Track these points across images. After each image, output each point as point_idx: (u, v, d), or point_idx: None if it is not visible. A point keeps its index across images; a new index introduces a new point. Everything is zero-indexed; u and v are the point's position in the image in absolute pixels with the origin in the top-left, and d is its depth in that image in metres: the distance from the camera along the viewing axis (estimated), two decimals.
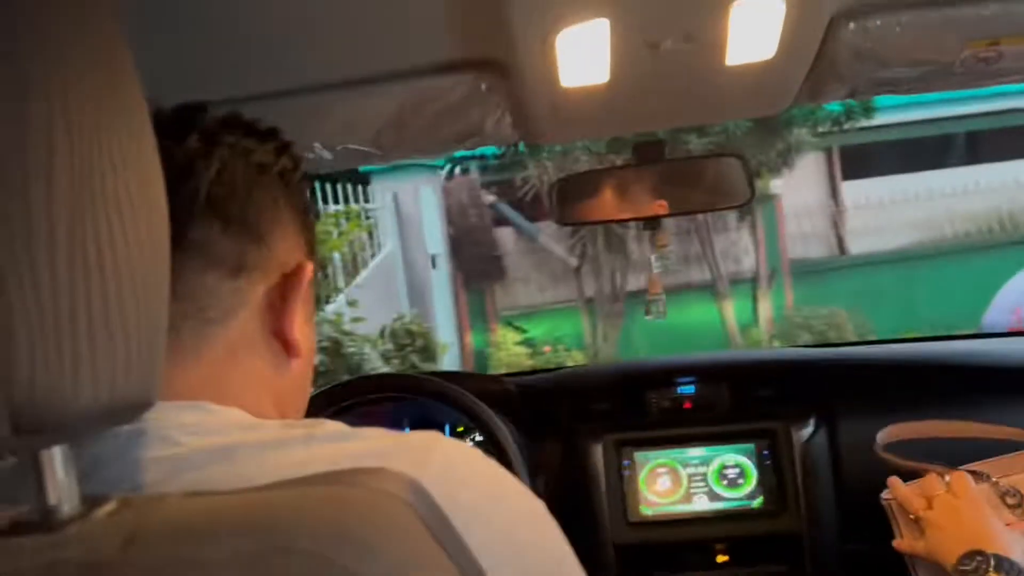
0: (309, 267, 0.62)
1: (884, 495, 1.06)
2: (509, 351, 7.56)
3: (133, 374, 0.41)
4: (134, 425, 0.50)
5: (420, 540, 0.47)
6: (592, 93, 0.96)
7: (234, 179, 0.56)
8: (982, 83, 1.05)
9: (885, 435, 1.13)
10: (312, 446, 0.52)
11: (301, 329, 0.61)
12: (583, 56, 0.88)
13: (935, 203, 8.83)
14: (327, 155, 1.05)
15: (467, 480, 0.53)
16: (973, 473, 1.00)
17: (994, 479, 1.00)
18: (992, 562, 0.87)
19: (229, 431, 0.53)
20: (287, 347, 0.60)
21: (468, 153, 7.85)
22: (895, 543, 1.03)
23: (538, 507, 0.58)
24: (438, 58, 0.93)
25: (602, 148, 6.38)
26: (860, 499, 1.39)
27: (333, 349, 4.36)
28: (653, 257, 1.29)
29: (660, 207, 1.28)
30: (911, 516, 1.00)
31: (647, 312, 1.31)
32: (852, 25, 0.91)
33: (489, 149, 7.50)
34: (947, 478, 0.99)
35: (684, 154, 4.90)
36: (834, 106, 7.06)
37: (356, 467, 0.50)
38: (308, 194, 0.66)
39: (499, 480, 0.56)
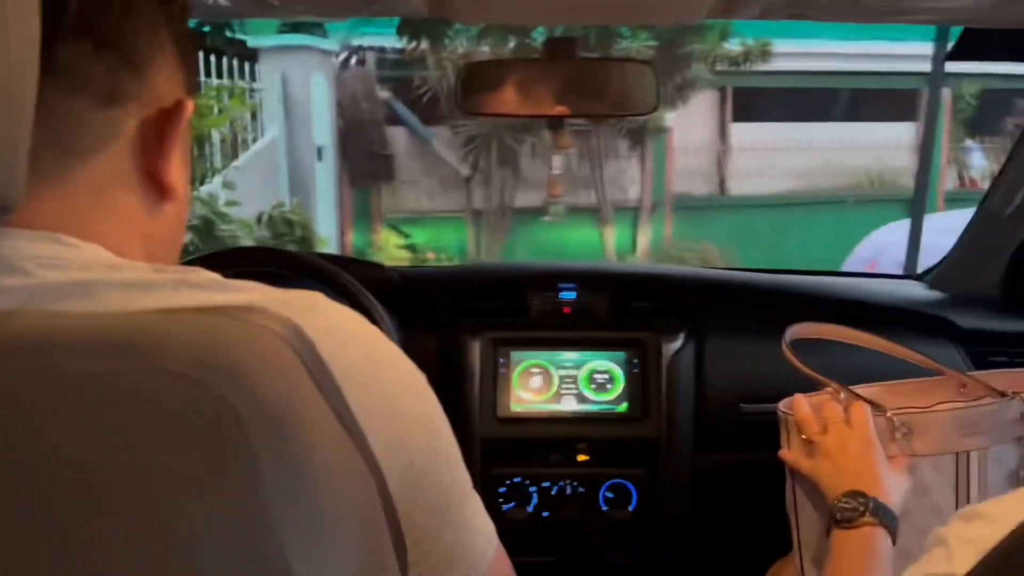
0: (190, 104, 0.56)
1: (781, 406, 1.06)
2: (390, 254, 7.49)
3: None
4: None
5: (299, 380, 0.45)
6: None
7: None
8: (885, 19, 1.07)
9: (792, 332, 1.14)
10: (182, 291, 0.48)
11: (177, 171, 0.56)
12: None
13: (814, 154, 9.26)
14: None
15: (349, 339, 0.52)
16: (872, 404, 1.01)
17: (889, 413, 1.01)
18: (870, 505, 0.90)
19: (89, 267, 0.49)
20: (161, 189, 0.55)
21: (366, 41, 7.54)
22: (781, 453, 1.05)
23: (419, 377, 0.57)
24: None
25: (506, 54, 6.28)
26: (717, 414, 1.46)
27: (205, 230, 4.16)
28: (555, 158, 1.27)
29: (565, 107, 1.26)
30: (803, 436, 1.01)
31: (545, 213, 1.30)
32: None
33: (388, 40, 7.23)
34: (844, 405, 1.00)
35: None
36: (733, 44, 7.19)
37: (235, 304, 0.47)
38: (191, 26, 0.60)
39: (381, 345, 0.55)
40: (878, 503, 0.91)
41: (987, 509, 0.55)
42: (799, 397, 1.06)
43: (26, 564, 0.41)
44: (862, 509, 0.90)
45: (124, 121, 0.52)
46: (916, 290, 1.72)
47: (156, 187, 0.55)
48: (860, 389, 1.05)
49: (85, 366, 0.41)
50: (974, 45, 1.26)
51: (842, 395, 1.03)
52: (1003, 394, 1.07)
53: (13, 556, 0.41)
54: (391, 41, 7.27)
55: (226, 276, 0.52)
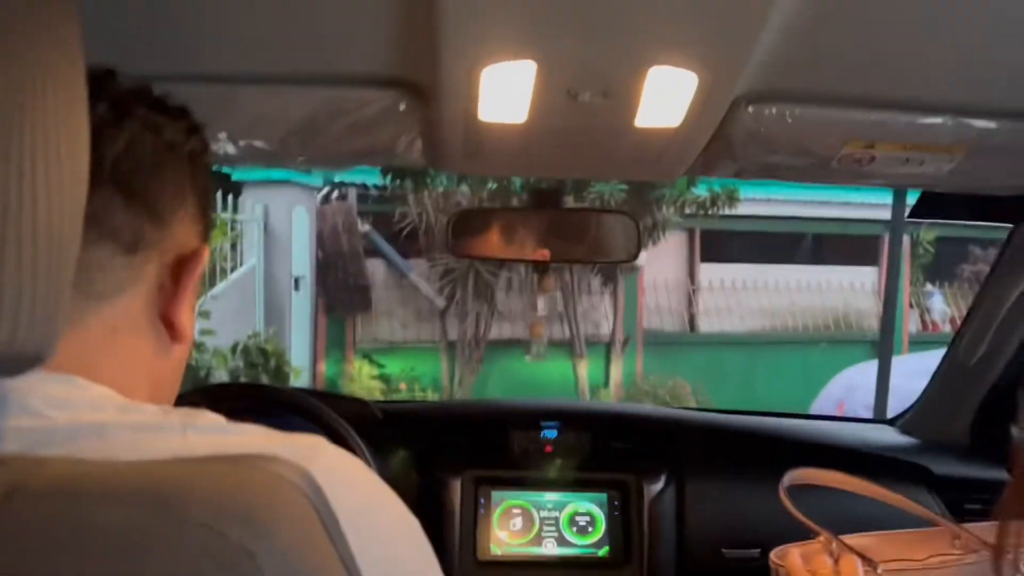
0: (206, 252, 0.60)
1: (773, 556, 1.06)
2: (363, 384, 7.42)
3: (36, 326, 0.39)
4: None
5: (314, 530, 0.46)
6: (507, 131, 0.99)
7: (142, 153, 0.54)
8: (852, 182, 1.15)
9: (791, 477, 1.15)
10: (189, 434, 0.50)
11: (188, 315, 0.59)
12: (505, 94, 0.91)
13: (781, 295, 9.52)
14: (231, 149, 1.02)
15: (351, 484, 0.53)
16: (862, 557, 1.01)
17: (880, 569, 1.01)
18: None
19: (100, 408, 0.50)
20: (173, 331, 0.58)
21: (348, 177, 7.75)
22: None
23: (415, 524, 0.58)
24: (360, 70, 0.93)
25: (484, 195, 6.48)
26: (699, 559, 1.45)
27: None
28: (540, 300, 1.32)
29: (550, 252, 1.32)
30: None
31: (527, 352, 1.33)
32: (751, 109, 0.98)
33: (371, 177, 7.44)
34: (835, 558, 1.00)
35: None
36: (701, 190, 7.50)
37: (250, 452, 0.49)
38: (210, 181, 0.64)
39: (381, 490, 0.56)
40: None
41: None
42: (789, 547, 1.06)
43: None
44: None
45: (145, 267, 0.55)
46: (889, 435, 1.75)
47: (169, 329, 0.58)
48: (852, 539, 1.05)
49: (112, 516, 0.42)
50: (933, 206, 1.35)
51: (833, 545, 1.03)
52: (996, 548, 1.07)
53: None
54: (373, 179, 7.50)
55: (216, 411, 0.53)
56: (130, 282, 0.55)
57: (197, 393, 1.27)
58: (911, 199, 1.77)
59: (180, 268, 0.57)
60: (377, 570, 0.51)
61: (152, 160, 0.55)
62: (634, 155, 1.08)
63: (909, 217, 1.31)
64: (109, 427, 0.49)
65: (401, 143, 1.04)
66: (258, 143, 1.02)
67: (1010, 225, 1.34)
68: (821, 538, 1.05)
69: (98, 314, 0.53)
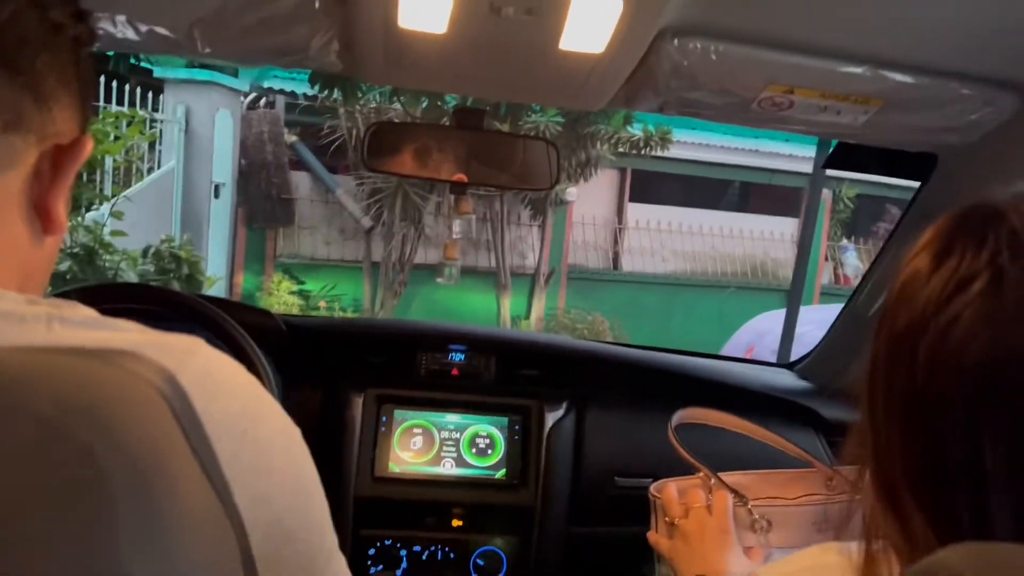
0: (89, 143, 0.57)
1: (652, 489, 1.10)
2: (281, 299, 7.30)
3: None
4: None
5: (167, 430, 0.44)
6: (427, 41, 0.95)
7: (27, 29, 0.51)
8: (771, 126, 1.16)
9: (679, 416, 1.18)
10: (55, 327, 0.47)
11: (63, 206, 0.56)
12: (426, 0, 0.87)
13: (704, 239, 9.72)
14: (131, 33, 0.95)
15: (226, 391, 0.51)
16: (734, 493, 1.06)
17: (750, 504, 1.06)
18: None
19: None
20: (48, 221, 0.55)
21: (277, 85, 7.47)
22: (649, 534, 1.09)
23: (296, 434, 0.57)
24: None
25: (417, 113, 6.34)
26: (593, 486, 1.49)
27: (86, 258, 3.95)
28: (456, 222, 1.30)
29: (467, 174, 1.30)
30: (667, 519, 1.06)
31: (440, 275, 1.31)
32: (676, 41, 0.97)
33: (300, 86, 7.19)
34: (710, 493, 1.05)
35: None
36: (636, 129, 7.52)
37: (111, 347, 0.46)
38: (93, 71, 0.61)
39: (259, 398, 0.54)
40: None
41: (763, 569, 0.60)
42: (668, 481, 1.10)
43: None
44: None
45: (24, 150, 0.52)
46: (787, 379, 1.81)
47: (43, 218, 0.55)
48: (730, 476, 1.10)
49: None
50: (847, 157, 1.37)
51: (711, 481, 1.07)
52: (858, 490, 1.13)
53: None
54: (303, 87, 7.24)
55: (105, 312, 0.51)
56: (7, 163, 0.51)
57: (87, 291, 1.21)
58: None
59: (62, 155, 0.54)
60: (247, 478, 0.49)
61: (36, 38, 0.51)
62: (557, 80, 1.06)
63: (824, 166, 1.33)
64: None
65: (316, 44, 0.98)
66: (160, 29, 0.96)
67: (917, 183, 1.37)
68: (700, 474, 1.09)
69: None
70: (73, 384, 0.42)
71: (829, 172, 5.36)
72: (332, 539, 0.58)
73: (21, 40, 0.50)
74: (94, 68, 0.60)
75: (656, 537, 1.08)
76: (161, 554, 0.43)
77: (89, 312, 0.50)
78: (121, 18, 0.95)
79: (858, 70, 1.01)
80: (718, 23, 0.94)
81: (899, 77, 1.01)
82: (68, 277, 3.89)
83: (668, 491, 1.08)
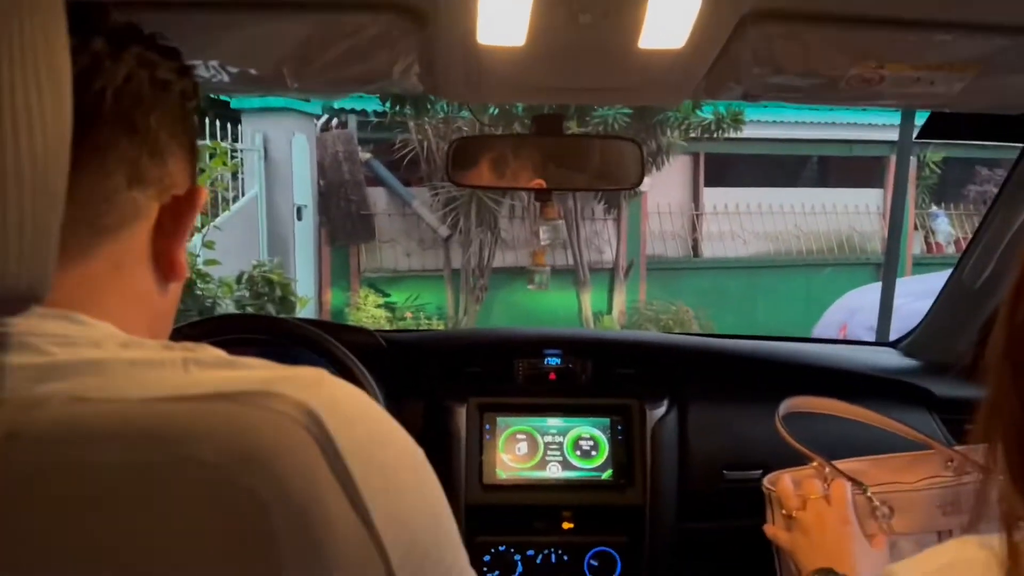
0: (204, 193, 0.61)
1: (765, 481, 1.08)
2: (369, 313, 7.46)
3: (25, 265, 0.39)
4: None
5: (317, 465, 0.46)
6: (507, 55, 0.97)
7: (140, 89, 0.54)
8: (860, 103, 1.13)
9: (787, 406, 1.16)
10: (191, 370, 0.50)
11: (183, 253, 0.60)
12: (504, 15, 0.88)
13: (785, 219, 9.46)
14: (224, 76, 1.00)
15: (354, 416, 0.53)
16: (852, 481, 1.03)
17: (870, 492, 1.03)
18: None
19: (101, 345, 0.50)
20: (171, 268, 0.59)
21: (348, 104, 7.64)
22: (766, 528, 1.07)
23: (420, 454, 0.58)
24: None
25: (486, 120, 6.37)
26: (701, 481, 1.48)
27: (184, 289, 4.13)
28: (543, 229, 1.30)
29: (549, 180, 1.30)
30: (784, 511, 1.03)
31: (530, 281, 1.32)
32: (757, 28, 0.95)
33: (370, 103, 7.33)
34: (826, 482, 1.02)
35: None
36: (706, 113, 7.38)
37: (252, 390, 0.49)
38: (197, 122, 0.64)
39: (384, 422, 0.56)
40: None
41: (900, 566, 0.58)
42: (782, 472, 1.08)
43: None
44: None
45: (147, 204, 0.56)
46: (891, 358, 1.76)
47: (166, 267, 0.58)
48: (845, 464, 1.07)
49: (114, 455, 0.43)
50: (942, 126, 1.32)
51: (826, 470, 1.05)
52: (988, 470, 1.08)
53: None
54: (373, 105, 7.38)
55: (217, 343, 0.53)
56: (134, 217, 0.55)
57: (200, 324, 1.27)
58: (919, 119, 1.73)
59: (179, 206, 0.58)
60: (381, 501, 0.51)
61: (148, 97, 0.55)
62: (637, 79, 1.06)
63: (917, 138, 1.28)
64: (110, 363, 0.49)
65: (398, 69, 1.01)
66: (252, 70, 1.00)
67: (1020, 144, 1.31)
68: (814, 463, 1.06)
69: (102, 248, 0.53)
70: (229, 431, 0.45)
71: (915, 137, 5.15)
72: (464, 555, 0.60)
73: (136, 100, 0.54)
74: (196, 119, 0.64)
75: (774, 530, 1.06)
76: None
77: (219, 353, 0.53)
78: (214, 63, 1.00)
79: (949, 37, 0.97)
80: (800, 5, 0.92)
81: (996, 40, 0.97)
82: None
83: (783, 483, 1.06)
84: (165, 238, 0.57)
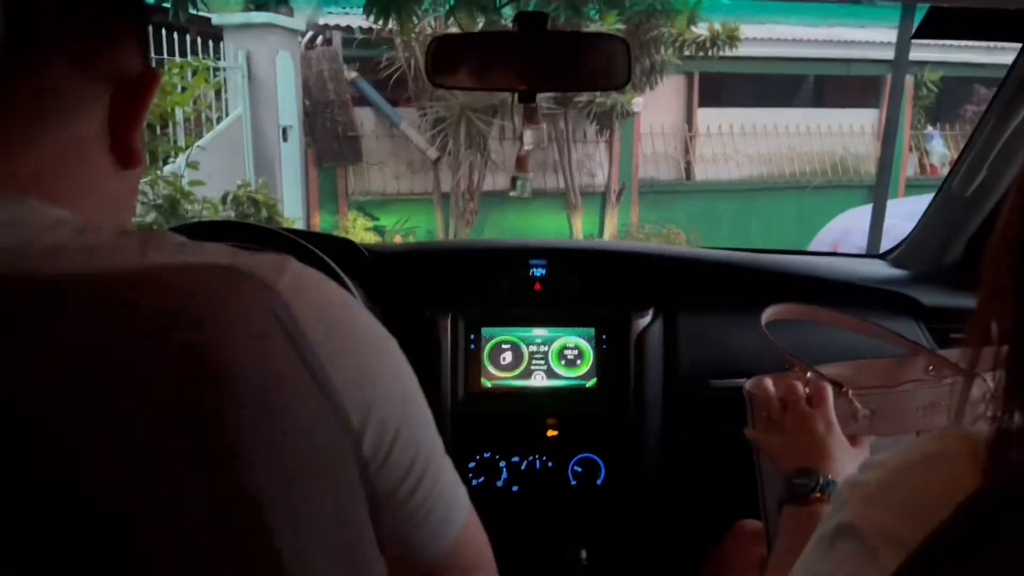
0: (159, 74, 0.58)
1: (747, 385, 1.07)
2: (358, 236, 7.41)
3: None
4: None
5: (278, 342, 0.46)
6: None
7: None
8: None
9: (770, 313, 1.15)
10: (149, 253, 0.48)
11: (140, 139, 0.58)
12: None
13: (780, 140, 9.35)
14: None
15: (322, 302, 0.52)
16: (833, 383, 1.02)
17: (851, 395, 1.02)
18: (820, 482, 0.91)
19: (55, 230, 0.48)
20: (128, 154, 0.57)
21: (333, 20, 7.43)
22: (746, 431, 1.07)
23: (391, 341, 0.58)
24: None
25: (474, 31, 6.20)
26: (686, 389, 1.48)
27: (170, 209, 4.09)
28: (527, 133, 1.26)
29: (534, 81, 1.26)
30: (765, 414, 1.03)
31: (512, 187, 1.29)
32: None
33: (355, 19, 7.13)
34: (807, 386, 1.02)
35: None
36: (702, 29, 7.21)
37: (212, 263, 0.47)
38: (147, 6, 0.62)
39: (353, 308, 0.55)
40: (828, 480, 0.92)
41: (878, 458, 0.57)
42: (763, 377, 1.07)
43: None
44: (812, 486, 0.92)
45: (98, 89, 0.54)
46: (880, 268, 1.75)
47: (123, 153, 0.56)
48: (828, 368, 1.07)
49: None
50: (939, 23, 1.27)
51: (808, 374, 1.05)
52: (967, 372, 1.08)
53: None
54: (358, 20, 7.17)
55: None
56: (84, 102, 0.53)
57: (176, 230, 1.25)
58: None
59: (135, 90, 0.56)
60: (351, 384, 0.51)
61: None
62: None
63: (915, 36, 1.23)
64: (64, 249, 0.47)
65: None
66: None
67: (1019, 44, 1.27)
68: (796, 368, 1.06)
69: (50, 134, 0.52)
70: (182, 292, 0.44)
71: (912, 55, 5.05)
72: (438, 442, 0.60)
73: None
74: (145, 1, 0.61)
75: (754, 434, 1.06)
76: (277, 455, 0.44)
77: (180, 239, 0.51)
78: None
79: None
80: None
81: None
82: (155, 228, 4.03)
83: (763, 386, 1.05)
84: (120, 124, 0.55)
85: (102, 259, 0.47)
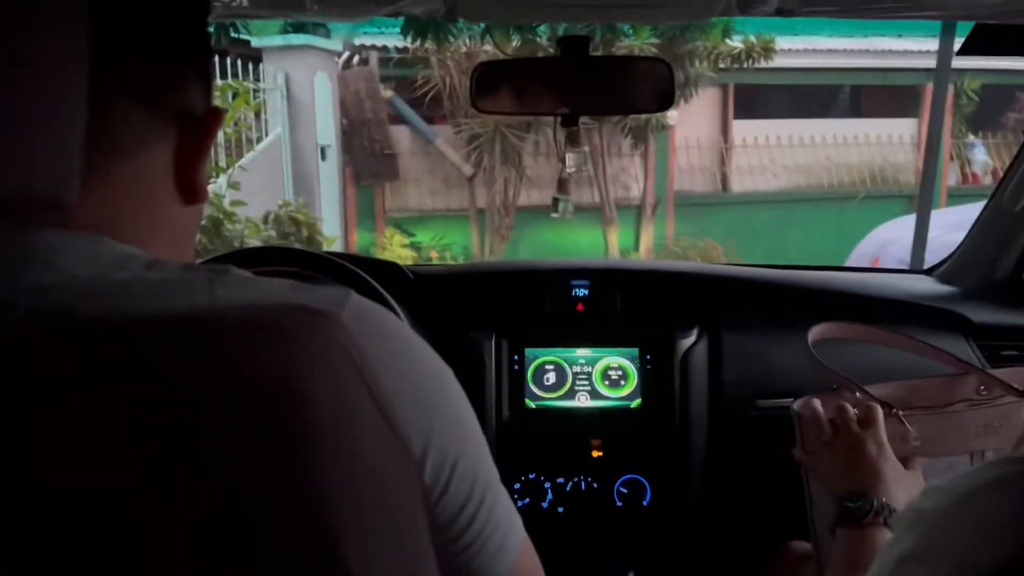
0: (223, 112, 0.60)
1: (795, 406, 1.07)
2: (395, 253, 7.48)
3: (46, 170, 0.38)
4: (15, 246, 0.46)
5: (350, 375, 0.47)
6: None
7: (152, 8, 0.53)
8: (899, 15, 1.08)
9: (817, 332, 1.14)
10: (217, 290, 0.49)
11: (204, 175, 0.59)
12: None
13: (817, 151, 9.24)
14: (243, 0, 0.97)
15: (383, 333, 0.53)
16: (882, 404, 1.02)
17: (902, 415, 1.02)
18: (874, 505, 0.91)
19: (125, 266, 0.50)
20: (192, 190, 0.58)
21: (369, 41, 7.53)
22: (795, 452, 1.06)
23: (448, 373, 0.58)
24: None
25: (510, 52, 6.26)
26: (732, 409, 1.47)
27: (213, 229, 4.16)
28: (569, 155, 1.28)
29: (576, 105, 1.27)
30: (814, 436, 1.02)
31: (554, 209, 1.30)
32: None
33: (392, 39, 7.22)
34: (856, 408, 1.01)
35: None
36: (736, 41, 7.18)
37: (281, 303, 0.48)
38: (210, 41, 0.63)
39: (411, 339, 0.56)
40: (882, 504, 0.91)
41: (941, 483, 0.57)
42: (811, 397, 1.06)
43: None
44: (867, 509, 0.91)
45: (167, 124, 0.55)
46: (926, 284, 1.72)
47: (187, 189, 0.57)
48: (877, 388, 1.06)
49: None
50: (986, 40, 1.26)
51: (857, 395, 1.04)
52: (1021, 393, 1.06)
53: None
54: (394, 40, 7.26)
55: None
56: (153, 138, 0.54)
57: (227, 256, 1.27)
58: (958, 44, 1.65)
59: (200, 127, 0.57)
60: (412, 415, 0.51)
61: (168, 19, 0.54)
62: None
63: (960, 53, 1.21)
64: (133, 284, 0.48)
65: None
66: None
67: None
68: (845, 389, 1.05)
69: (123, 169, 0.53)
70: (252, 329, 0.45)
71: (954, 64, 4.97)
72: (494, 472, 0.60)
73: (154, 22, 0.53)
74: (210, 41, 0.62)
75: (804, 456, 1.05)
76: (351, 489, 0.45)
77: (246, 274, 0.53)
78: None
79: None
80: None
81: None
82: (199, 249, 4.11)
83: (812, 407, 1.04)
84: (184, 160, 0.56)
85: (171, 296, 0.48)
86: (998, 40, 1.23)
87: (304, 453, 0.43)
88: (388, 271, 1.50)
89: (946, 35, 4.35)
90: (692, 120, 8.72)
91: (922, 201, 4.13)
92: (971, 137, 9.90)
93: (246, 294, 0.50)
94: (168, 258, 0.55)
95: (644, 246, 8.62)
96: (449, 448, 0.54)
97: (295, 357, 0.44)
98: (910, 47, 8.69)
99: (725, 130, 9.25)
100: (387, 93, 7.82)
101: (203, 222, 4.17)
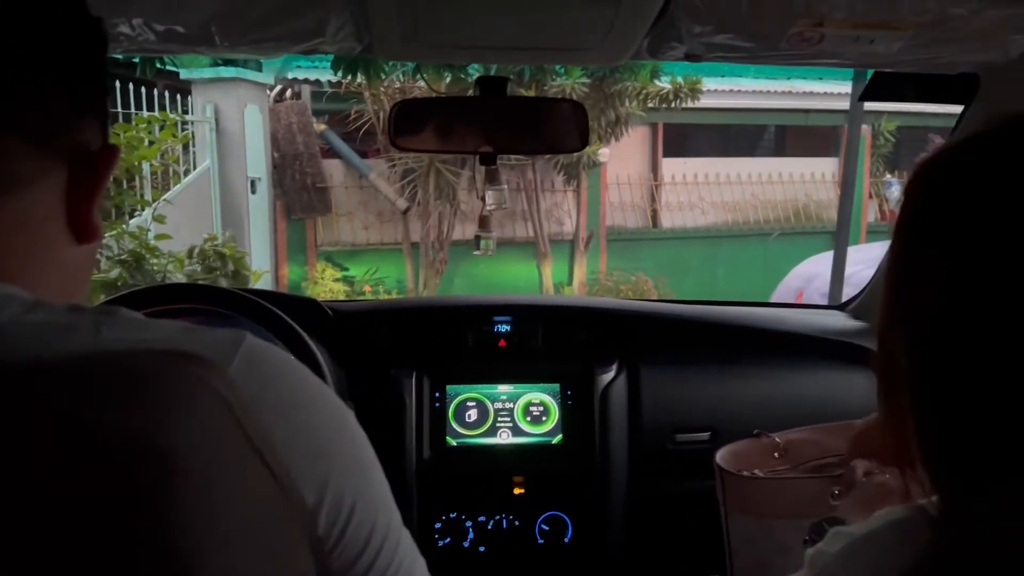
0: (118, 150, 0.58)
1: (717, 457, 1.08)
2: (327, 287, 7.38)
3: None
4: None
5: (224, 425, 0.45)
6: (442, 9, 0.94)
7: (44, 42, 0.51)
8: (803, 62, 1.12)
9: (723, 455, 1.11)
10: (102, 333, 0.48)
11: (97, 213, 0.57)
12: None
13: (743, 188, 9.54)
14: (149, 35, 0.96)
15: (275, 378, 0.52)
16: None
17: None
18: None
19: (4, 307, 0.48)
20: (84, 229, 0.56)
21: (301, 74, 7.49)
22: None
23: (348, 415, 0.57)
24: None
25: (443, 88, 6.31)
26: (652, 444, 1.49)
27: (134, 264, 4.04)
28: (489, 193, 1.29)
29: (494, 143, 1.28)
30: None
31: (476, 247, 1.31)
32: None
33: (324, 73, 7.20)
34: (779, 454, 1.05)
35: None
36: (664, 81, 7.38)
37: (162, 348, 0.47)
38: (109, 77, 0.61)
39: (308, 384, 0.55)
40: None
41: (846, 528, 0.60)
42: (734, 445, 1.09)
43: None
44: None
45: (57, 161, 0.53)
46: (839, 320, 1.78)
47: (79, 227, 0.55)
48: (797, 434, 1.09)
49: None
50: (886, 87, 1.32)
51: (779, 442, 1.07)
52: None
53: None
54: (327, 74, 7.24)
55: (156, 314, 0.52)
56: (40, 177, 0.52)
57: (136, 295, 1.23)
58: None
59: (94, 164, 0.55)
60: (306, 464, 0.50)
61: (69, 52, 0.53)
62: (577, 36, 1.04)
63: (861, 99, 1.28)
64: (12, 327, 0.46)
65: (332, 26, 0.98)
66: (178, 27, 0.96)
67: (959, 107, 1.32)
68: (765, 439, 1.08)
69: (6, 208, 0.50)
70: (125, 376, 0.43)
71: (868, 106, 5.21)
72: (395, 516, 0.59)
73: (53, 55, 0.51)
74: (109, 77, 0.61)
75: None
76: (221, 540, 0.44)
77: (132, 315, 0.51)
78: (138, 21, 0.96)
79: None
80: None
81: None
82: (119, 284, 3.98)
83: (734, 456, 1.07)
84: (76, 198, 0.54)
85: (52, 339, 0.47)
86: (896, 87, 1.30)
87: (163, 508, 0.42)
88: (307, 308, 1.47)
89: (858, 80, 4.55)
90: (623, 158, 8.91)
91: (839, 238, 4.29)
92: (888, 176, 10.35)
93: (133, 337, 0.48)
94: (58, 299, 0.52)
95: (577, 280, 8.72)
96: (346, 494, 0.53)
97: (159, 408, 0.43)
98: (830, 89, 9.07)
99: (655, 167, 9.48)
100: (320, 127, 7.78)
101: (124, 256, 4.05)
